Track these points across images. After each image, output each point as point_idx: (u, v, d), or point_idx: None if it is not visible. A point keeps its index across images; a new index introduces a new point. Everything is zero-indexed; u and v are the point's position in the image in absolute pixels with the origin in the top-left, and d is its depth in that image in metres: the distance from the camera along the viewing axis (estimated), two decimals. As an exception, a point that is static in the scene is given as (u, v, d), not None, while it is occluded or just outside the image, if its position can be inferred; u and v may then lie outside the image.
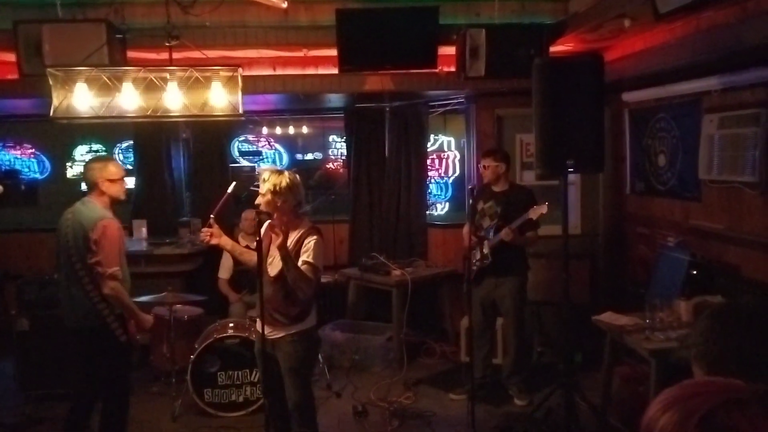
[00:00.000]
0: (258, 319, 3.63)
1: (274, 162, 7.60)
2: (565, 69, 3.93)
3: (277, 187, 3.36)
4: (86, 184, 3.76)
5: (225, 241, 3.64)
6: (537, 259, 5.50)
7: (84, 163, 4.18)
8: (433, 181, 6.94)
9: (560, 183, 4.16)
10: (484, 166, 4.90)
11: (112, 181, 3.69)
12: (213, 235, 3.54)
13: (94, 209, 3.65)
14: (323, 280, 5.53)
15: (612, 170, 5.88)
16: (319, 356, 5.37)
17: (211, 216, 3.57)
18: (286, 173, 3.46)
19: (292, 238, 3.44)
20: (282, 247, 3.24)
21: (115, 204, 3.77)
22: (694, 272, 4.36)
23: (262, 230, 3.55)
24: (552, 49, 4.86)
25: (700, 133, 4.60)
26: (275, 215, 3.43)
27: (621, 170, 5.96)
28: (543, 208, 4.49)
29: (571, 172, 4.11)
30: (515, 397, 4.93)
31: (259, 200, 3.41)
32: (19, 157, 7.29)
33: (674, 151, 5.08)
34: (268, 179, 3.38)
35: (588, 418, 4.20)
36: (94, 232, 3.55)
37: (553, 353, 5.63)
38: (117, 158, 7.30)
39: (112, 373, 3.75)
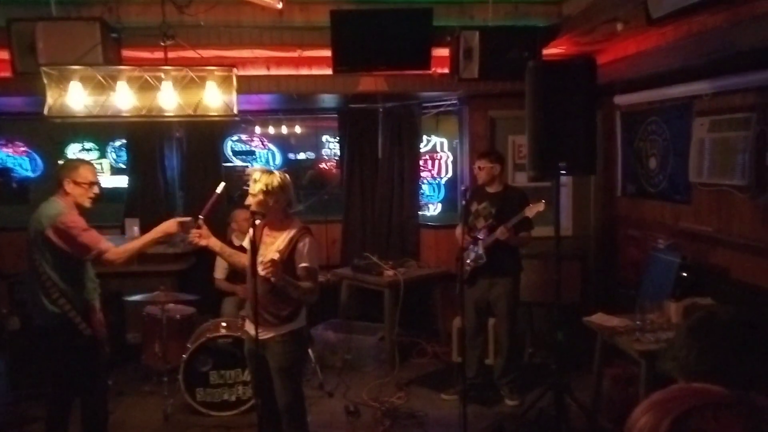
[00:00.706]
0: (247, 320, 3.65)
1: (267, 161, 7.60)
2: (557, 71, 3.96)
3: (269, 187, 3.36)
4: (57, 186, 3.68)
5: (214, 242, 3.64)
6: (529, 260, 5.53)
7: (65, 164, 4.11)
8: (425, 181, 6.97)
9: (552, 185, 4.19)
10: (479, 167, 4.92)
11: (77, 183, 3.63)
12: (202, 236, 3.55)
13: (55, 207, 3.59)
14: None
15: (603, 172, 5.92)
16: (311, 355, 5.40)
17: (200, 217, 3.56)
18: (277, 173, 3.46)
19: (283, 237, 3.45)
20: (279, 279, 3.25)
21: (80, 208, 3.68)
22: (684, 274, 4.39)
23: (252, 230, 3.53)
24: (545, 51, 4.89)
25: (690, 137, 4.65)
26: (267, 215, 3.42)
27: (612, 172, 6.01)
28: (540, 206, 4.53)
29: (563, 174, 4.14)
30: (506, 397, 4.96)
31: (249, 200, 3.40)
32: (11, 155, 7.27)
33: (665, 153, 5.13)
34: (259, 179, 3.37)
35: (579, 419, 4.24)
36: (53, 227, 3.50)
37: (544, 354, 5.66)
38: (110, 157, 7.30)
39: (81, 369, 3.70)
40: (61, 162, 7.28)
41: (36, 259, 3.57)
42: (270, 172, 3.43)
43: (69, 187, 3.63)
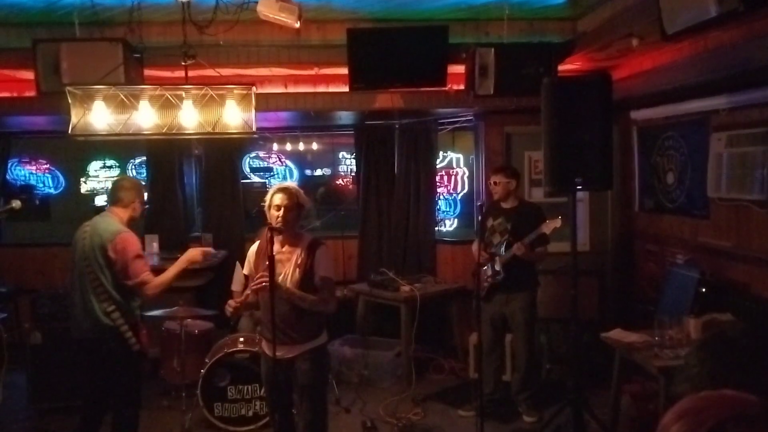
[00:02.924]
0: (265, 339, 3.58)
1: (284, 178, 7.67)
2: (573, 87, 3.99)
3: (294, 202, 3.42)
4: (112, 199, 3.90)
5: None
6: (546, 275, 5.51)
7: (115, 180, 4.39)
8: (441, 197, 6.99)
9: (569, 200, 4.19)
10: (494, 182, 4.93)
11: (142, 202, 3.97)
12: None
13: (113, 223, 3.78)
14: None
15: (620, 187, 5.91)
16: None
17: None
18: (297, 188, 3.54)
19: (299, 251, 3.48)
20: (287, 293, 3.32)
21: (131, 223, 3.92)
22: (703, 290, 4.36)
23: (270, 247, 3.55)
24: (560, 67, 4.91)
25: (708, 152, 4.63)
26: (285, 231, 3.45)
27: (630, 187, 5.99)
28: (557, 222, 4.52)
29: (579, 189, 4.15)
30: (524, 413, 4.93)
31: (274, 216, 3.42)
32: (34, 172, 7.39)
33: (683, 168, 5.11)
34: (284, 196, 3.42)
35: (597, 436, 4.20)
36: (112, 244, 3.67)
37: (561, 370, 5.62)
38: (130, 174, 7.42)
39: (124, 382, 3.79)
40: (96, 179, 7.43)
41: (93, 271, 3.69)
42: (291, 189, 3.48)
43: (132, 207, 3.90)
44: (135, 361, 3.79)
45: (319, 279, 3.43)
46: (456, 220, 7.04)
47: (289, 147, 7.33)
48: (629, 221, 6.07)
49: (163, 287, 3.76)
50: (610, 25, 4.28)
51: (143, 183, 6.97)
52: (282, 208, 3.40)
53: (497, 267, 4.80)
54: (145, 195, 4.09)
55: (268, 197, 3.48)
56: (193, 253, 3.94)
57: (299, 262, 3.45)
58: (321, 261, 3.46)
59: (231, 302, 3.49)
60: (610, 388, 4.39)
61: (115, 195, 3.92)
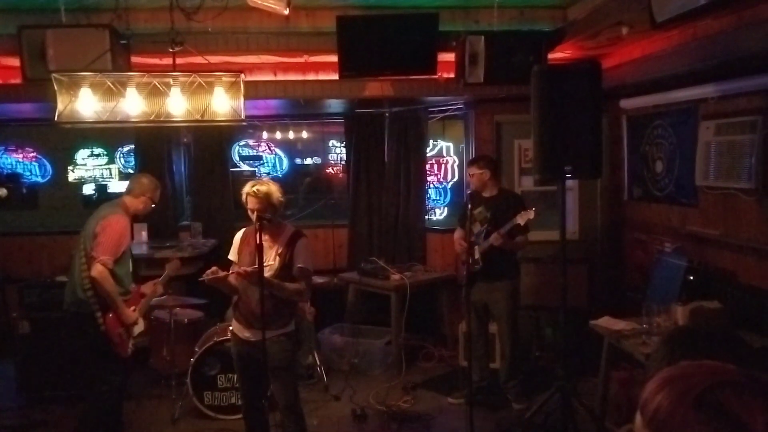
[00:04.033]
0: (235, 320, 3.73)
1: (274, 166, 7.64)
2: (563, 76, 3.98)
3: (271, 196, 3.51)
4: (127, 189, 4.15)
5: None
6: (535, 263, 5.55)
7: (138, 174, 4.81)
8: (432, 186, 6.99)
9: (558, 188, 4.20)
10: (470, 174, 4.98)
11: (153, 202, 4.17)
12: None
13: (116, 208, 3.97)
14: (320, 280, 5.61)
15: (610, 176, 5.93)
16: (317, 359, 5.42)
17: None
18: (272, 183, 3.63)
19: (281, 241, 3.59)
20: (270, 284, 3.41)
21: (135, 215, 4.20)
22: (691, 278, 4.39)
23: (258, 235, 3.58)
24: (550, 56, 4.90)
25: (697, 140, 4.65)
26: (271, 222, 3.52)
27: (619, 176, 6.01)
28: (530, 214, 4.57)
29: (569, 177, 4.15)
30: (513, 401, 4.96)
31: (253, 207, 3.49)
32: (20, 160, 7.32)
33: (671, 157, 5.13)
34: (261, 189, 3.49)
35: (586, 423, 4.23)
36: (103, 221, 3.84)
37: (550, 357, 5.66)
38: (118, 163, 7.37)
39: (89, 360, 3.95)
40: (84, 167, 7.39)
41: (85, 248, 3.87)
42: (267, 183, 3.58)
43: (142, 200, 4.10)
44: (99, 342, 3.86)
45: (297, 270, 3.55)
46: (446, 208, 7.04)
47: (278, 135, 7.30)
48: (618, 210, 6.09)
49: (104, 283, 3.78)
50: (600, 13, 4.27)
51: (132, 172, 6.95)
52: (254, 211, 3.48)
53: (476, 256, 4.81)
54: (157, 195, 4.25)
55: (243, 197, 3.55)
56: (131, 316, 4.02)
57: (280, 251, 3.57)
58: (300, 252, 3.57)
59: (215, 268, 3.50)
60: (598, 376, 4.43)
61: (130, 185, 4.17)
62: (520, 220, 4.59)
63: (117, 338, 3.86)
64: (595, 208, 6.26)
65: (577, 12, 4.65)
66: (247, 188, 3.51)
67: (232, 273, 3.58)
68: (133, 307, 4.02)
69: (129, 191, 4.16)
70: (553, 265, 5.41)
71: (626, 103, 5.70)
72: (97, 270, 3.72)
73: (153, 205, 4.24)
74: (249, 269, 3.41)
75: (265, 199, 3.47)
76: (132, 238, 6.30)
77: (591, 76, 3.95)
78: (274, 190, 3.53)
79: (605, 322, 4.21)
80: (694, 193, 4.79)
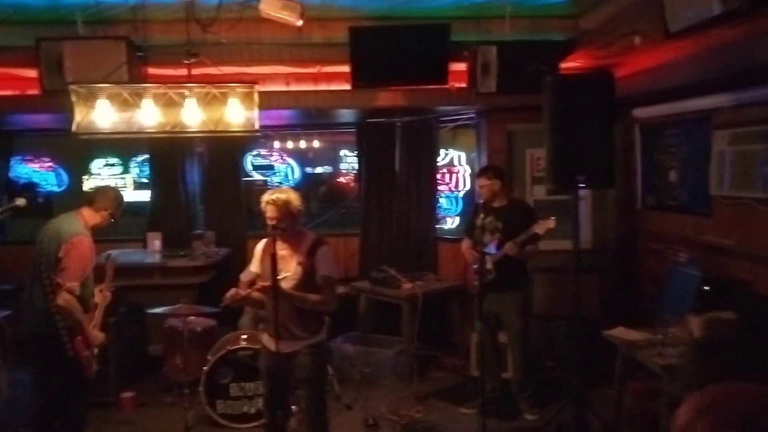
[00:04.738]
0: (266, 334, 3.69)
1: (286, 176, 7.68)
2: (575, 85, 3.99)
3: (290, 205, 3.48)
4: (88, 199, 3.83)
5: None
6: (547, 273, 5.54)
7: (102, 185, 4.33)
8: (443, 195, 6.99)
9: (571, 198, 4.20)
10: (479, 185, 4.96)
11: (113, 217, 3.87)
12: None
13: (76, 224, 3.71)
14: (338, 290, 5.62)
15: (623, 185, 5.90)
16: (329, 368, 5.41)
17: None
18: (290, 191, 3.60)
19: (301, 250, 3.55)
20: (290, 297, 3.39)
21: (95, 229, 3.85)
22: (706, 288, 4.36)
23: (274, 245, 3.59)
24: (562, 65, 4.92)
25: (710, 149, 4.63)
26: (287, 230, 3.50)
27: (632, 185, 5.99)
28: (550, 223, 4.51)
29: (581, 187, 4.14)
30: (526, 411, 4.93)
31: (271, 215, 3.47)
32: (37, 170, 7.41)
33: (685, 166, 5.11)
34: (279, 198, 3.47)
35: (599, 433, 4.21)
36: (67, 243, 3.60)
37: (562, 368, 5.62)
38: (133, 172, 7.43)
39: (59, 385, 3.75)
40: (99, 176, 7.42)
41: (43, 270, 3.64)
42: (286, 191, 3.55)
43: (102, 215, 3.82)
44: (68, 366, 3.68)
45: (320, 278, 3.51)
46: (457, 218, 7.04)
47: (290, 145, 7.34)
48: (631, 219, 6.07)
49: (72, 311, 3.58)
50: (613, 23, 4.28)
51: (146, 181, 7.01)
52: (273, 220, 3.46)
53: (488, 266, 4.79)
54: (122, 211, 3.99)
55: (262, 206, 3.53)
56: (98, 338, 3.86)
57: (301, 260, 3.52)
58: (322, 260, 3.53)
59: (233, 291, 3.54)
60: (611, 387, 4.40)
61: (92, 196, 3.87)
62: (539, 229, 4.54)
63: (85, 361, 3.72)
64: (608, 217, 6.24)
65: (589, 22, 4.66)
66: (266, 197, 3.49)
67: (254, 289, 3.53)
68: (93, 323, 3.84)
69: (90, 202, 3.85)
70: (565, 274, 5.38)
71: (639, 112, 5.69)
72: (65, 299, 3.52)
73: (113, 221, 3.96)
74: (266, 285, 3.37)
75: (284, 207, 3.45)
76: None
77: (603, 86, 3.96)
78: (293, 198, 3.52)
79: (619, 332, 4.19)
80: (708, 203, 4.76)
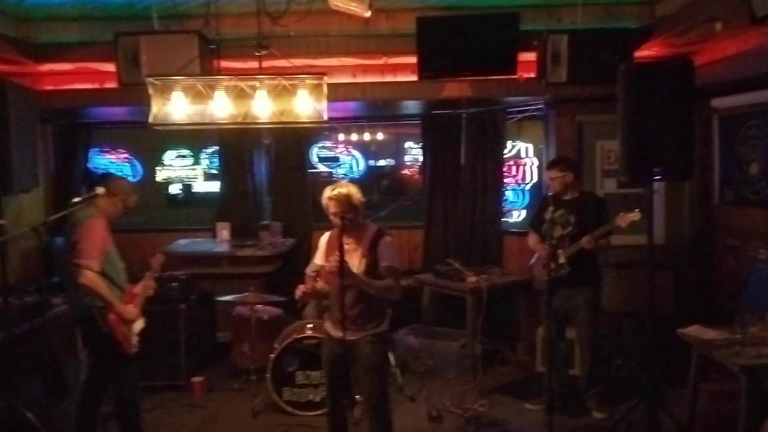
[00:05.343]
0: (329, 321, 3.75)
1: (351, 168, 7.73)
2: (652, 74, 3.82)
3: (353, 198, 3.51)
4: (103, 189, 3.89)
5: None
6: (618, 269, 5.38)
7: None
8: (509, 188, 6.88)
9: (645, 191, 4.05)
10: (552, 177, 4.82)
11: (126, 206, 3.98)
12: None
13: (87, 210, 3.82)
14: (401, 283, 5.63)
15: (699, 179, 5.67)
16: (392, 359, 5.43)
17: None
18: (350, 185, 3.60)
19: (364, 242, 3.59)
20: (355, 278, 3.42)
21: (110, 218, 3.94)
22: (789, 286, 4.15)
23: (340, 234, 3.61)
24: (637, 54, 4.74)
25: (796, 141, 4.39)
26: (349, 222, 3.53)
27: (709, 179, 5.74)
28: (635, 215, 4.35)
29: (657, 179, 3.99)
30: (594, 409, 4.82)
31: (334, 210, 3.50)
32: (113, 161, 7.71)
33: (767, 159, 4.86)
34: (342, 192, 3.50)
35: (671, 435, 4.07)
36: (80, 227, 3.73)
37: (632, 366, 5.46)
38: (203, 164, 7.64)
39: (101, 362, 3.93)
40: (171, 167, 7.68)
41: (70, 258, 3.77)
42: (346, 186, 3.57)
43: (118, 205, 3.95)
44: (105, 342, 3.81)
45: (383, 269, 3.54)
46: (524, 211, 6.91)
47: (354, 137, 7.38)
48: (708, 214, 5.82)
49: (96, 288, 3.69)
50: (692, 8, 4.10)
51: (216, 172, 7.20)
52: (336, 215, 3.49)
53: (561, 260, 4.68)
54: (133, 202, 4.06)
55: (324, 202, 3.56)
56: (130, 312, 3.90)
57: (364, 252, 3.57)
58: (385, 251, 3.56)
59: (301, 287, 3.65)
60: (684, 387, 4.24)
61: (103, 183, 3.95)
62: (622, 222, 4.39)
63: (121, 336, 3.83)
64: (683, 212, 6.00)
65: (666, 8, 4.48)
66: (328, 192, 3.53)
67: (318, 277, 3.61)
68: (130, 305, 3.95)
69: (108, 195, 3.94)
70: (636, 270, 5.22)
71: (718, 102, 5.44)
72: (86, 276, 3.65)
73: (126, 210, 4.03)
74: (331, 265, 3.42)
75: (346, 201, 3.49)
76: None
77: (682, 74, 3.78)
78: (354, 191, 3.54)
79: (695, 330, 4.03)
80: (793, 197, 4.52)
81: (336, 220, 3.49)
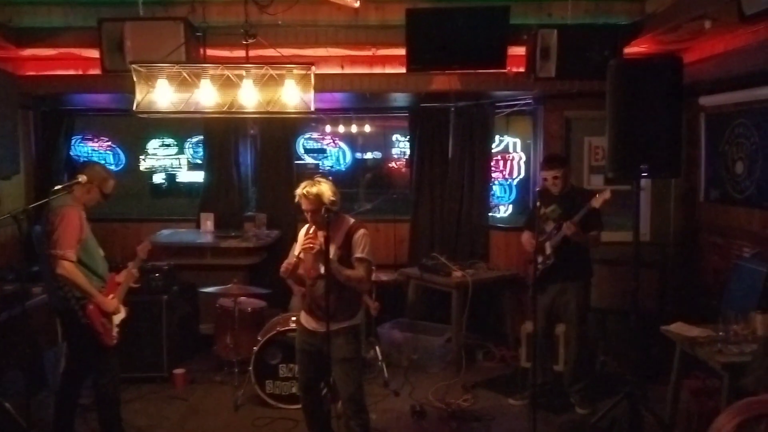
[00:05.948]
0: (303, 312, 3.79)
1: (337, 160, 7.68)
2: (641, 71, 3.82)
3: (325, 196, 3.52)
4: (85, 177, 3.81)
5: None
6: (603, 265, 5.38)
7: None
8: (496, 182, 6.87)
9: (632, 188, 4.05)
10: (553, 177, 4.70)
11: (103, 193, 3.92)
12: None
13: (62, 199, 3.74)
14: (383, 278, 5.60)
15: (685, 177, 5.69)
16: (378, 353, 5.42)
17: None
18: (324, 182, 3.60)
19: (340, 234, 3.62)
20: (327, 261, 3.42)
21: (85, 206, 3.88)
22: (772, 285, 4.17)
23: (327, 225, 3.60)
24: (626, 50, 4.74)
25: (783, 140, 4.41)
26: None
27: (695, 176, 5.76)
28: (606, 194, 4.32)
29: (644, 176, 3.99)
30: (577, 405, 4.83)
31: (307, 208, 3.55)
32: (96, 149, 7.59)
33: (754, 158, 4.88)
34: (317, 191, 3.51)
35: (654, 431, 4.08)
36: (54, 215, 3.67)
37: (617, 363, 5.48)
38: (187, 153, 7.55)
39: (80, 354, 3.90)
40: (155, 156, 7.57)
41: (46, 248, 3.71)
42: (317, 184, 3.56)
43: (93, 191, 3.88)
44: (86, 334, 3.77)
45: (354, 259, 3.58)
46: (511, 206, 6.91)
47: (341, 129, 7.32)
48: (693, 212, 5.85)
49: (74, 278, 3.65)
50: (682, 5, 4.10)
51: (200, 162, 7.12)
52: (308, 212, 3.55)
53: (547, 251, 4.68)
54: (111, 188, 3.99)
55: (296, 198, 3.58)
56: (109, 303, 3.84)
57: (339, 244, 3.60)
58: (357, 243, 3.60)
59: (285, 263, 3.78)
60: (666, 383, 4.26)
61: (79, 171, 3.88)
62: (596, 202, 4.35)
63: (100, 327, 3.78)
64: (668, 209, 6.03)
65: (656, 5, 4.48)
66: (299, 190, 3.56)
67: (298, 256, 3.67)
68: (111, 295, 3.90)
69: (83, 183, 3.85)
70: (621, 267, 5.23)
71: (706, 101, 5.46)
72: (63, 267, 3.60)
73: (103, 197, 3.97)
74: (307, 241, 3.51)
75: (316, 200, 3.51)
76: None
77: (671, 72, 3.78)
78: (325, 189, 3.54)
79: (678, 327, 4.04)
80: (777, 196, 4.55)
81: (307, 216, 3.57)
